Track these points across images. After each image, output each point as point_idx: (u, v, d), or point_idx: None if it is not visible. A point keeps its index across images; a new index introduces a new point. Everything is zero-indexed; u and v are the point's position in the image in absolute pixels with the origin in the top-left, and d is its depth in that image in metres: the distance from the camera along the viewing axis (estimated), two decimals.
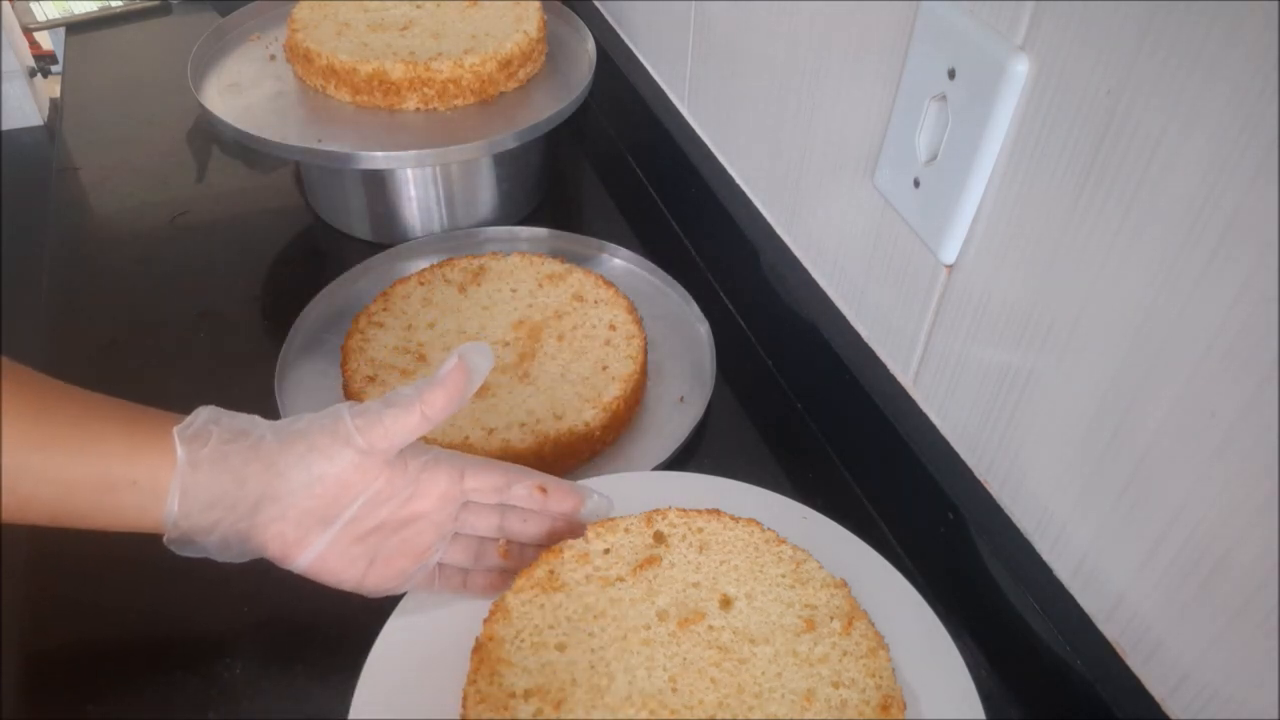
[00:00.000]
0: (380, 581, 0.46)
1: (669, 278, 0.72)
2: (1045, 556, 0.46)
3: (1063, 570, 0.45)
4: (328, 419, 0.43)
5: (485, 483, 0.48)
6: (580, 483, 0.51)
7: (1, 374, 0.39)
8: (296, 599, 0.51)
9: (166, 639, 0.51)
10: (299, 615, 0.52)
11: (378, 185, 0.75)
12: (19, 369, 0.40)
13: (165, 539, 0.42)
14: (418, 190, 0.75)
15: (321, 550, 0.44)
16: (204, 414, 0.43)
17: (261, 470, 0.42)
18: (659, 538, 0.49)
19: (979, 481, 0.50)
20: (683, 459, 0.61)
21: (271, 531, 0.43)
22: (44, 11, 1.54)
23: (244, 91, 0.74)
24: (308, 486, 0.42)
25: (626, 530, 0.49)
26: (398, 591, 0.47)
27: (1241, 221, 0.32)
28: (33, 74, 2.04)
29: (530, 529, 0.50)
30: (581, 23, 0.84)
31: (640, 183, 0.86)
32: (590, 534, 0.49)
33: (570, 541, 0.48)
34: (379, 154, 0.68)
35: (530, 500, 0.49)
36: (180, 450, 0.41)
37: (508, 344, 0.63)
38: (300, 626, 0.51)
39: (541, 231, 0.76)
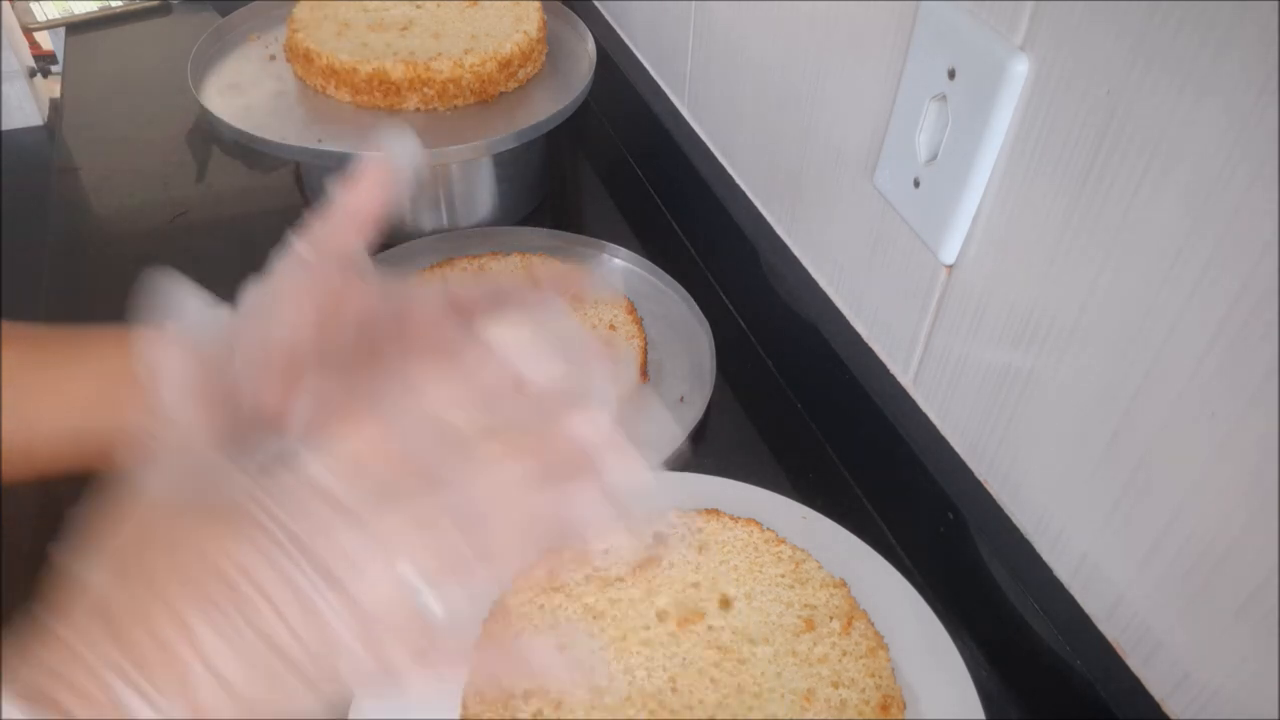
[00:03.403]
0: None
1: (669, 278, 0.72)
2: (1045, 556, 0.46)
3: (1063, 570, 0.45)
4: (281, 251, 0.40)
5: (471, 291, 0.42)
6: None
7: None
8: None
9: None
10: None
11: None
12: None
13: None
14: (418, 190, 0.75)
15: (314, 390, 0.38)
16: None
17: (246, 326, 0.39)
18: (658, 538, 0.49)
19: (979, 481, 0.50)
20: (683, 459, 0.60)
21: (265, 386, 0.37)
22: (44, 11, 1.54)
23: (244, 91, 0.74)
24: (278, 319, 0.38)
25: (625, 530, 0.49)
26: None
27: (1241, 221, 0.32)
28: (33, 74, 2.04)
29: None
30: (581, 23, 0.84)
31: (640, 183, 0.86)
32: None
33: (570, 542, 0.48)
34: (379, 154, 0.68)
35: (522, 298, 0.42)
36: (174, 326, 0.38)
37: None
38: None
39: (541, 231, 0.75)
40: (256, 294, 0.40)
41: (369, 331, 0.40)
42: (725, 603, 0.46)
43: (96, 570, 0.28)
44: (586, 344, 0.34)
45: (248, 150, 0.85)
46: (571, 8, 0.86)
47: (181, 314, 0.38)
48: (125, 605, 0.27)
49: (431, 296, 0.42)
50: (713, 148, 0.74)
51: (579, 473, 0.31)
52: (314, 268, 0.39)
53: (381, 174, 0.40)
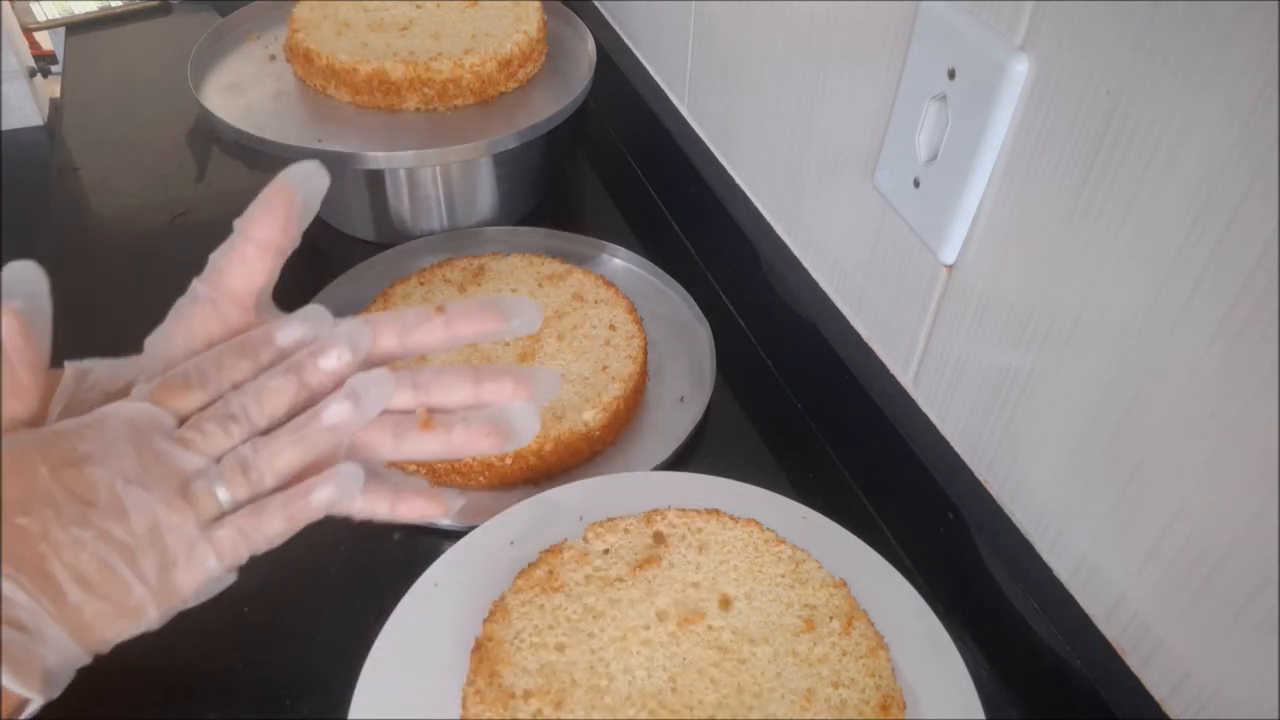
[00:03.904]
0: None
1: (669, 278, 0.72)
2: (1045, 556, 0.46)
3: (1063, 570, 0.45)
4: (181, 297, 0.40)
5: (381, 328, 0.40)
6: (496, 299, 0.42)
7: None
8: (297, 599, 0.51)
9: (167, 638, 0.51)
10: (299, 615, 0.52)
11: (378, 185, 0.75)
12: None
13: None
14: (418, 190, 0.76)
15: None
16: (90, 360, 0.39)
17: (139, 364, 0.38)
18: (658, 538, 0.49)
19: (979, 481, 0.50)
20: (683, 459, 0.61)
21: None
22: (44, 11, 1.54)
23: (244, 91, 0.74)
24: (180, 350, 0.38)
25: (626, 530, 0.49)
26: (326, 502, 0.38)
27: (1242, 221, 0.32)
28: (33, 74, 2.04)
29: (450, 384, 0.40)
30: (581, 23, 0.84)
31: (640, 183, 0.86)
32: (590, 534, 0.49)
33: (569, 542, 0.48)
34: (379, 154, 0.68)
35: (431, 332, 0.40)
36: (67, 378, 0.37)
37: (507, 344, 0.63)
38: (300, 627, 0.51)
39: (541, 231, 0.75)
40: (153, 340, 0.39)
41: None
42: (725, 603, 0.46)
43: None
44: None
45: (248, 150, 0.85)
46: (571, 8, 0.86)
47: (83, 368, 0.38)
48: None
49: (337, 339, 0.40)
50: (713, 148, 0.74)
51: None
52: (212, 305, 0.39)
53: (284, 203, 0.39)
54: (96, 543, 0.34)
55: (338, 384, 0.39)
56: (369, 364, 0.40)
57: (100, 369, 0.38)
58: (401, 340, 0.40)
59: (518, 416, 0.41)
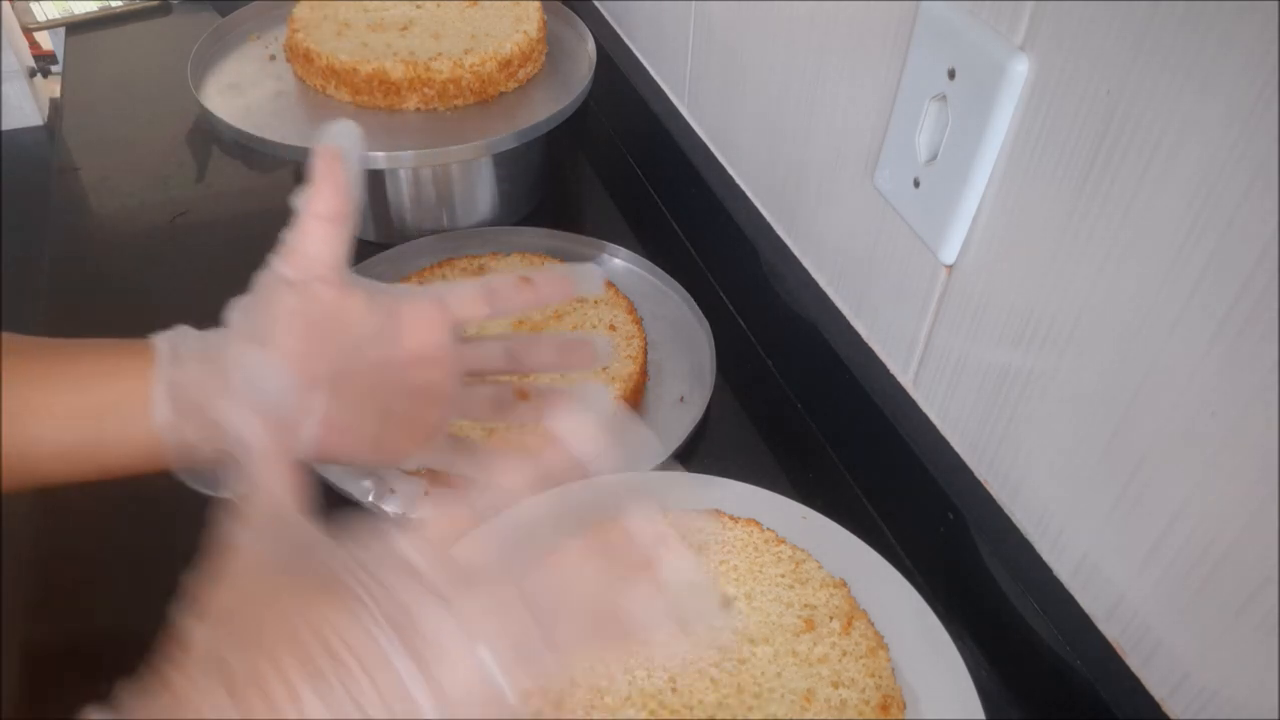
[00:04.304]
0: (400, 441, 0.42)
1: (669, 278, 0.72)
2: (1045, 556, 0.46)
3: (1063, 570, 0.45)
4: (263, 272, 0.41)
5: (466, 293, 0.43)
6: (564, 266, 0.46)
7: None
8: None
9: (168, 637, 0.51)
10: None
11: (378, 185, 0.75)
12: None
13: (170, 462, 0.39)
14: (418, 190, 0.76)
15: (324, 415, 0.39)
16: (182, 326, 0.41)
17: (234, 349, 0.39)
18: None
19: (979, 481, 0.50)
20: (683, 459, 0.60)
21: (264, 414, 0.38)
22: (44, 11, 1.54)
23: (244, 91, 0.74)
24: (269, 338, 0.39)
25: None
26: (423, 460, 0.42)
27: (1242, 221, 0.32)
28: (33, 74, 2.04)
29: (540, 352, 0.45)
30: (581, 23, 0.84)
31: (640, 183, 0.86)
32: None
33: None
34: (379, 154, 0.68)
35: (516, 295, 0.43)
36: (162, 346, 0.39)
37: None
38: None
39: (541, 231, 0.75)
40: (245, 316, 0.40)
41: (363, 343, 0.41)
42: (725, 602, 0.46)
43: (207, 628, 0.31)
44: (627, 421, 0.40)
45: (248, 150, 0.85)
46: (571, 8, 0.86)
47: (175, 338, 0.39)
48: (239, 666, 0.29)
49: (424, 305, 0.42)
50: (713, 148, 0.74)
51: (637, 570, 0.33)
52: (299, 284, 0.40)
53: (335, 169, 0.40)
54: None
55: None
56: (458, 323, 0.43)
57: (190, 340, 0.39)
58: (491, 304, 0.43)
59: (594, 395, 0.41)
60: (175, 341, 0.40)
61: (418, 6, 0.79)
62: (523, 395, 0.44)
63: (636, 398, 0.62)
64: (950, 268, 0.48)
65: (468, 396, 0.43)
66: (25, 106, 2.01)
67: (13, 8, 1.89)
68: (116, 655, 0.50)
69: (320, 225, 0.40)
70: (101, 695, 0.48)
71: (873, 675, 0.44)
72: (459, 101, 0.73)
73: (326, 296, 0.40)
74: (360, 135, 0.41)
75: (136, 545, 0.45)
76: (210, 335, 0.40)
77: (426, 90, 0.72)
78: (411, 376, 0.42)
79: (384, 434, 0.41)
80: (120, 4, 1.09)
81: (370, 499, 0.51)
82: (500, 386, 0.44)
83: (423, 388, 0.42)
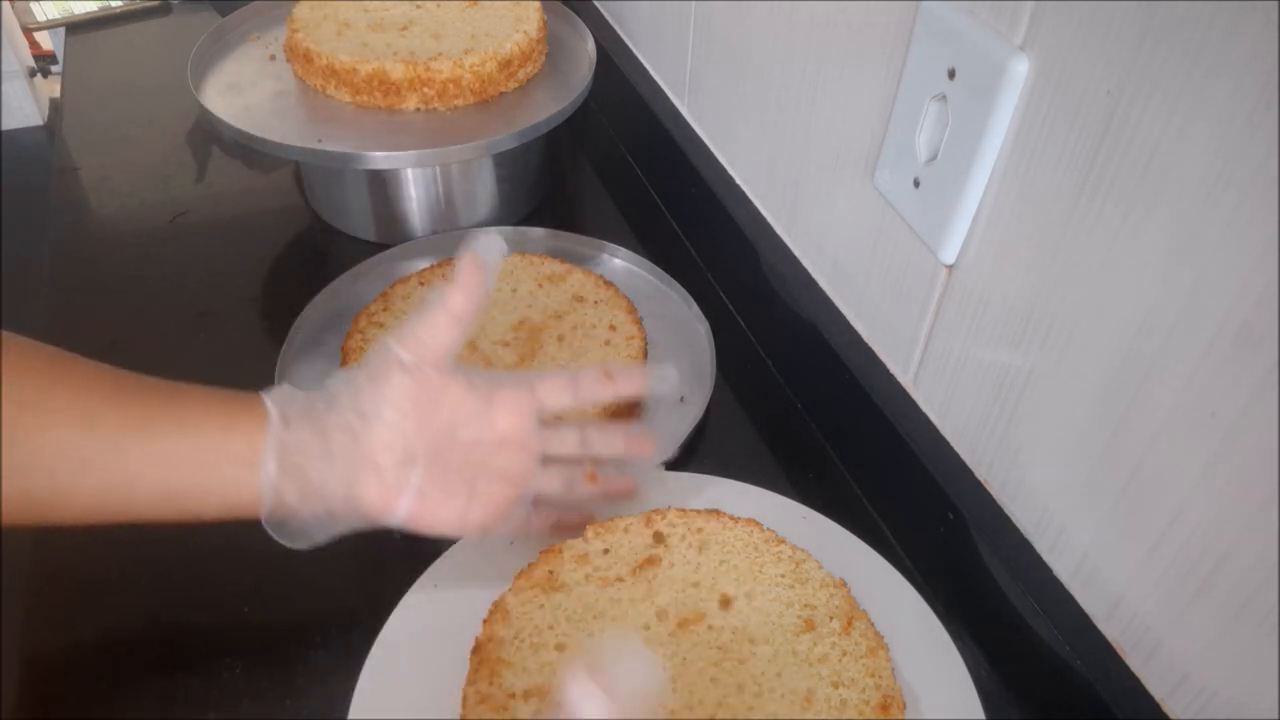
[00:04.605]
0: (483, 517, 0.45)
1: (669, 278, 0.72)
2: (1045, 556, 0.46)
3: (1063, 570, 0.45)
4: (378, 351, 0.43)
5: (554, 384, 0.47)
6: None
7: (73, 364, 0.40)
8: (297, 599, 0.51)
9: (166, 639, 0.51)
10: (299, 615, 0.52)
11: (378, 185, 0.75)
12: (88, 359, 0.41)
13: (264, 516, 0.41)
14: (418, 190, 0.75)
15: (418, 486, 0.43)
16: (285, 386, 0.43)
17: (340, 418, 0.42)
18: (658, 538, 0.49)
19: (979, 481, 0.50)
20: (683, 459, 0.60)
21: (365, 483, 0.42)
22: (44, 11, 1.54)
23: (244, 91, 0.74)
24: (378, 417, 0.42)
25: (626, 530, 0.49)
26: (501, 531, 0.46)
27: (1243, 220, 0.32)
28: (33, 74, 2.04)
29: (610, 441, 0.49)
30: (581, 23, 0.84)
31: (640, 183, 0.86)
32: (590, 534, 0.49)
33: (570, 542, 0.48)
34: (379, 154, 0.68)
35: (600, 388, 0.48)
36: (272, 409, 0.41)
37: (508, 344, 0.63)
38: (300, 626, 0.51)
39: (541, 231, 0.75)
40: (351, 389, 0.43)
41: (459, 425, 0.44)
42: (725, 602, 0.46)
43: None
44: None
45: (248, 150, 0.85)
46: (571, 8, 0.86)
47: (282, 398, 0.42)
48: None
49: (516, 393, 0.46)
50: (713, 148, 0.74)
51: None
52: (411, 367, 0.43)
53: (476, 277, 0.44)
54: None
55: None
56: (544, 409, 0.47)
57: (296, 402, 0.43)
58: (576, 395, 0.48)
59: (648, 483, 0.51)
60: (282, 403, 0.42)
61: (418, 6, 0.79)
62: (592, 479, 0.49)
63: (636, 398, 0.62)
64: (950, 268, 0.48)
65: (544, 475, 0.47)
66: (25, 106, 2.01)
67: (13, 8, 1.89)
68: (117, 658, 0.50)
69: (447, 321, 0.43)
70: (102, 697, 0.48)
71: (873, 675, 0.44)
72: (459, 101, 0.73)
73: (434, 381, 0.43)
74: (505, 249, 0.45)
75: (137, 548, 0.45)
76: (316, 401, 0.43)
77: (426, 90, 0.72)
78: (498, 457, 0.45)
79: (470, 509, 0.45)
80: (120, 4, 1.09)
81: None
82: (573, 470, 0.49)
83: (507, 468, 0.46)
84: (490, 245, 0.44)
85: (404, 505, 0.43)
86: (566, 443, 0.48)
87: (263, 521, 0.41)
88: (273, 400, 0.42)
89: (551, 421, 0.48)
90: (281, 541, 0.42)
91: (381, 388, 0.42)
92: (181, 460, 0.40)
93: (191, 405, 0.41)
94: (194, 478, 0.40)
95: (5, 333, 0.39)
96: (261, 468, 0.40)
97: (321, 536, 0.43)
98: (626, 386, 0.49)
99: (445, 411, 0.44)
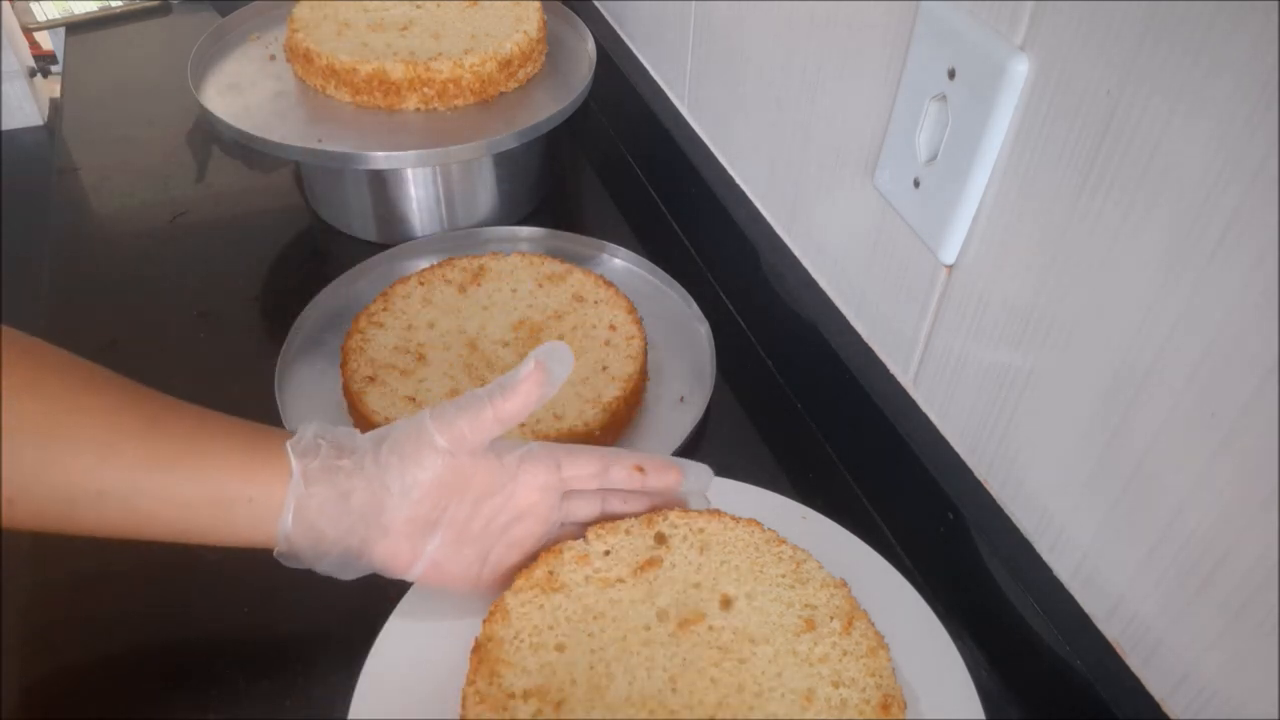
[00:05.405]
0: (495, 582, 0.47)
1: (669, 278, 0.72)
2: (1045, 556, 0.46)
3: (1063, 570, 0.45)
4: (412, 427, 0.43)
5: (583, 469, 0.47)
6: (675, 458, 0.50)
7: (105, 387, 0.40)
8: (297, 599, 0.51)
9: (167, 639, 0.51)
10: (299, 615, 0.52)
11: (378, 185, 0.75)
12: (122, 380, 0.41)
13: (275, 552, 0.43)
14: (418, 190, 0.75)
15: (433, 556, 0.44)
16: (311, 428, 0.43)
17: (364, 485, 0.42)
18: (660, 539, 0.49)
19: (979, 481, 0.50)
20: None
21: (381, 547, 0.43)
22: (44, 11, 1.54)
23: (244, 91, 0.74)
24: (405, 495, 0.43)
25: (627, 531, 0.49)
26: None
27: (1241, 221, 0.32)
28: (33, 74, 2.04)
29: (632, 508, 0.50)
30: (581, 23, 0.84)
31: (640, 183, 0.86)
32: (590, 535, 0.49)
33: (570, 543, 0.48)
34: (379, 154, 0.68)
35: (629, 480, 0.48)
36: (295, 464, 0.41)
37: (507, 344, 0.63)
38: (300, 626, 0.51)
39: (541, 231, 0.76)
40: (378, 462, 0.43)
41: (482, 499, 0.45)
42: (726, 603, 0.46)
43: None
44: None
45: (248, 150, 0.85)
46: (571, 8, 0.86)
47: (305, 449, 0.42)
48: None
49: (541, 471, 0.46)
50: (713, 148, 0.74)
51: None
52: (450, 455, 0.43)
53: (537, 390, 0.44)
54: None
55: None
56: (567, 486, 0.48)
57: (321, 457, 0.42)
58: (603, 483, 0.48)
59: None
60: (305, 456, 0.42)
61: (418, 6, 0.79)
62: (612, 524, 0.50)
63: (636, 398, 0.62)
64: (950, 268, 0.48)
65: (560, 539, 0.48)
66: (25, 106, 2.01)
67: (13, 8, 1.89)
68: (117, 658, 0.50)
69: (493, 422, 0.43)
70: (102, 697, 0.48)
71: (873, 675, 0.44)
72: (459, 101, 0.73)
73: (466, 466, 0.44)
74: (570, 360, 0.44)
75: (136, 550, 0.45)
76: (341, 460, 0.42)
77: (426, 90, 0.72)
78: (515, 529, 0.47)
79: (482, 574, 0.46)
80: (120, 4, 1.09)
81: None
82: (602, 500, 0.50)
83: (522, 540, 0.47)
84: (558, 354, 0.44)
85: (417, 570, 0.45)
86: (584, 513, 0.49)
87: (275, 554, 0.43)
88: (296, 453, 0.42)
89: (572, 492, 0.48)
90: (287, 565, 0.43)
91: (411, 469, 0.43)
92: (198, 504, 0.40)
93: (214, 445, 0.41)
94: (209, 520, 0.41)
95: (42, 343, 0.39)
96: (279, 521, 0.41)
97: (329, 574, 0.44)
98: (657, 481, 0.49)
99: (470, 488, 0.44)
